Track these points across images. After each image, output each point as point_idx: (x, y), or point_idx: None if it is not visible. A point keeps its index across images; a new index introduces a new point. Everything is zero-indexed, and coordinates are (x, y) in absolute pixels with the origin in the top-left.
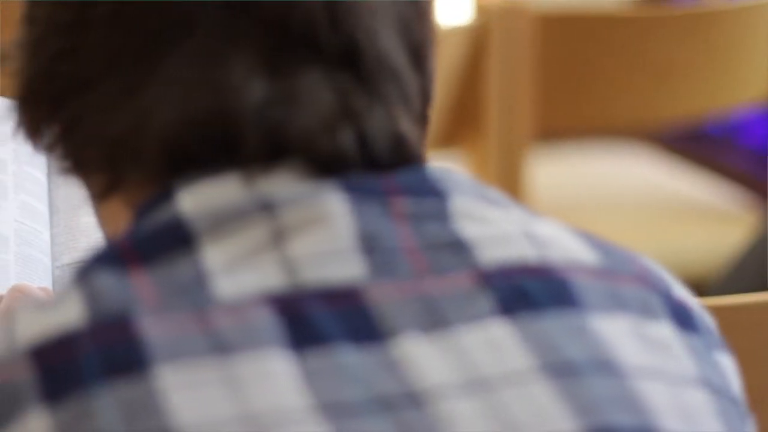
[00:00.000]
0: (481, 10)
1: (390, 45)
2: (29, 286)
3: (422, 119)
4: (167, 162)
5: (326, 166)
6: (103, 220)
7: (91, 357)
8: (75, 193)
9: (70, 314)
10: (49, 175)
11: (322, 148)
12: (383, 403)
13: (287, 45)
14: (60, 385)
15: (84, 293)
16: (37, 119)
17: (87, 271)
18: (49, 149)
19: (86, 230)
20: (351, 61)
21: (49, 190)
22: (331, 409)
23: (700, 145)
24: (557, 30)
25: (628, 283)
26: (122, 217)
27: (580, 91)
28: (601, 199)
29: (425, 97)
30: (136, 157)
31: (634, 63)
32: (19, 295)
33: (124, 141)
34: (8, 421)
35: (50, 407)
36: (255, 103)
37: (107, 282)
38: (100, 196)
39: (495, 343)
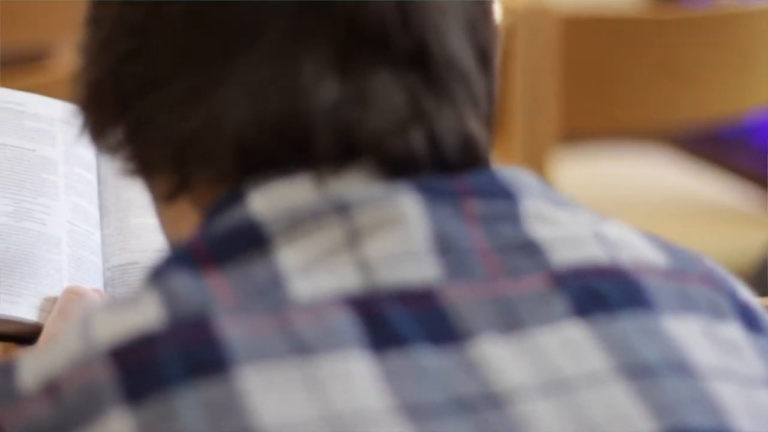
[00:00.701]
0: (506, 12)
1: (458, 45)
2: (83, 287)
3: (488, 120)
4: (238, 162)
5: (397, 167)
6: (166, 222)
7: (171, 357)
8: (124, 194)
9: (148, 315)
10: (98, 177)
11: (394, 148)
12: (463, 405)
13: (358, 45)
14: (141, 386)
15: (160, 294)
16: (103, 121)
17: (161, 272)
18: (114, 151)
19: (137, 231)
20: (420, 61)
21: (99, 192)
22: (412, 410)
23: (714, 146)
24: (581, 32)
25: (696, 284)
26: (188, 218)
27: (603, 92)
28: (622, 200)
29: (491, 98)
30: (206, 158)
31: (656, 65)
32: (74, 296)
33: (195, 141)
34: (89, 421)
35: (132, 408)
36: (327, 104)
37: (183, 283)
38: (166, 197)
39: (571, 344)
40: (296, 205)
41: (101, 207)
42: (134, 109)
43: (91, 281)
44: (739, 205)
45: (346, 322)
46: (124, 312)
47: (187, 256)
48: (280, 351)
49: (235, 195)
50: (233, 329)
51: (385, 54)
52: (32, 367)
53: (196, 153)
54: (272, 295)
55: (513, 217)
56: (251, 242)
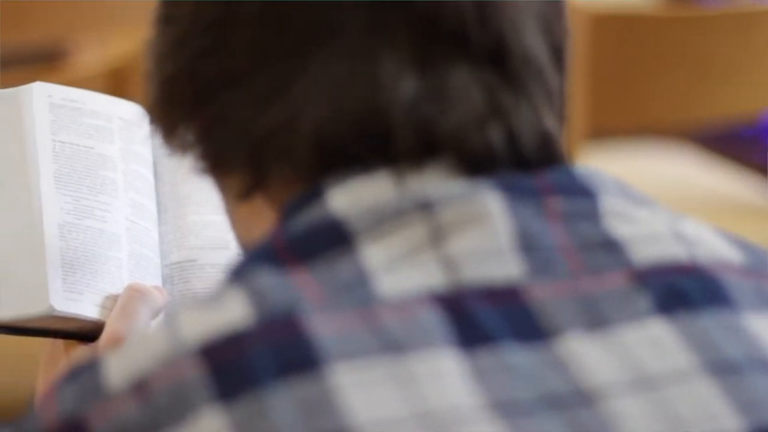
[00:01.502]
0: None
1: (534, 43)
2: (144, 285)
3: (561, 117)
4: (317, 159)
5: (476, 163)
6: (238, 221)
7: (262, 356)
8: (182, 190)
9: (237, 313)
10: (155, 173)
11: (473, 145)
12: (554, 402)
13: (437, 42)
14: (233, 384)
15: (247, 292)
16: (176, 119)
17: (243, 270)
18: (186, 150)
19: (194, 228)
20: (498, 58)
21: (156, 188)
22: (503, 407)
23: (731, 144)
24: (608, 29)
25: None
26: (262, 216)
27: (628, 89)
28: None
29: (563, 95)
30: (284, 155)
31: (682, 62)
32: (136, 294)
33: (272, 138)
34: (179, 420)
35: (224, 406)
36: (406, 100)
37: (269, 280)
38: (240, 195)
39: (656, 341)
40: (378, 202)
41: (158, 204)
42: (209, 106)
43: (151, 278)
44: (757, 201)
45: (434, 320)
46: (211, 310)
47: (269, 254)
48: (370, 348)
49: (314, 192)
50: (323, 327)
51: (463, 51)
52: (119, 365)
53: (273, 150)
54: (359, 292)
55: (593, 215)
56: (334, 240)
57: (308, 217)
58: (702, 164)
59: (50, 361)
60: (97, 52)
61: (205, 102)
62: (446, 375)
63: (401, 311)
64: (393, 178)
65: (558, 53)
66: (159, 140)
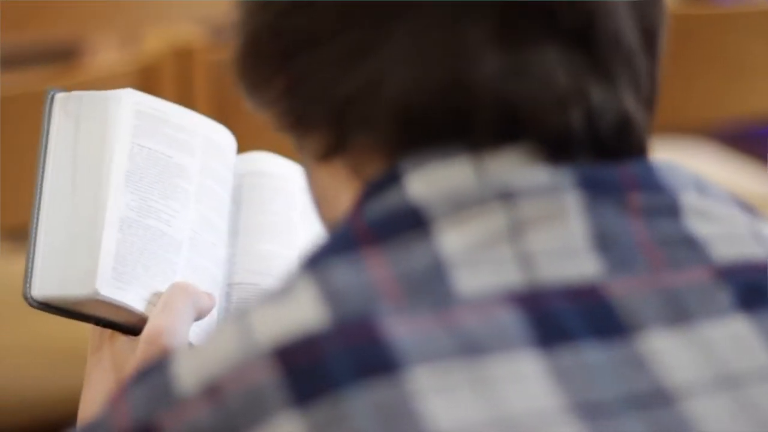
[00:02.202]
0: None
1: (625, 27)
2: (193, 285)
3: (649, 104)
4: (398, 128)
5: (555, 147)
6: (316, 184)
7: (339, 358)
8: (259, 219)
9: (311, 314)
10: (235, 198)
11: (553, 125)
12: (635, 402)
13: (524, 18)
14: (310, 388)
15: (321, 289)
16: (260, 74)
17: (319, 259)
18: (269, 105)
19: (263, 256)
20: (585, 39)
21: (232, 212)
22: (584, 408)
23: (750, 142)
24: None
25: None
26: (342, 183)
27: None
28: None
29: (653, 80)
30: (365, 120)
31: (704, 60)
32: (181, 292)
33: (354, 101)
34: (254, 424)
35: (301, 410)
36: (489, 73)
37: (345, 277)
38: (320, 156)
39: (738, 338)
40: (458, 188)
41: (233, 227)
42: (293, 64)
43: (206, 290)
44: None
45: (512, 320)
46: (283, 309)
47: (345, 242)
48: (448, 351)
49: (392, 176)
50: (400, 329)
51: (550, 29)
52: (190, 368)
53: (354, 114)
54: (436, 289)
55: (673, 211)
56: (412, 225)
57: (386, 202)
58: (722, 162)
59: (95, 351)
60: (111, 51)
61: (290, 59)
62: (526, 377)
63: (479, 311)
64: (472, 162)
65: (650, 38)
66: (244, 94)
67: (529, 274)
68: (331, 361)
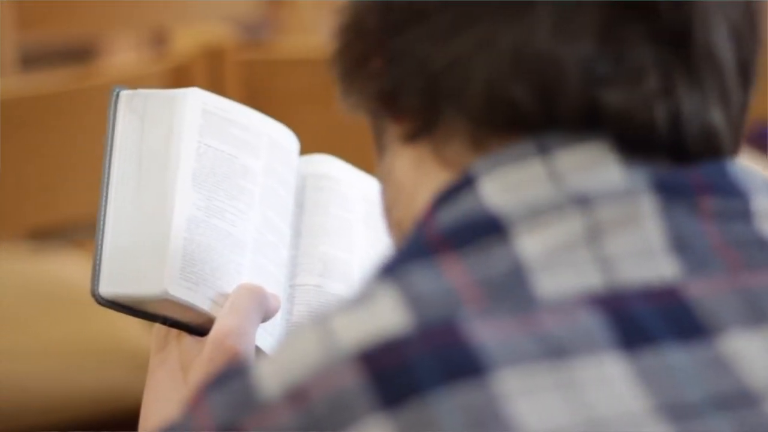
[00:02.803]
0: None
1: (721, 42)
2: (259, 287)
3: (738, 127)
4: (485, 104)
5: (635, 146)
6: (394, 177)
7: (425, 362)
8: (322, 221)
9: (394, 318)
10: (298, 200)
11: (637, 122)
12: (720, 402)
13: (625, 14)
14: (397, 392)
15: (402, 294)
16: (360, 53)
17: (396, 267)
18: (363, 86)
19: (324, 258)
20: (681, 43)
21: (296, 215)
22: (670, 410)
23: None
24: None
25: None
26: (424, 169)
27: None
28: None
29: (744, 107)
30: (456, 94)
31: None
32: (248, 293)
33: (448, 74)
34: (342, 428)
35: (389, 414)
36: (582, 57)
37: (426, 281)
38: (408, 137)
39: None
40: (533, 194)
41: (295, 229)
42: (395, 39)
43: (269, 290)
44: None
45: (594, 322)
46: (365, 314)
47: (422, 248)
48: (533, 354)
49: (465, 180)
50: (485, 333)
51: (649, 27)
52: (272, 372)
53: (446, 87)
54: (517, 293)
55: (745, 214)
56: (490, 231)
57: (461, 208)
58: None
59: (159, 351)
60: (129, 51)
61: (392, 35)
62: (611, 379)
63: (562, 314)
64: (545, 163)
65: (745, 65)
66: (338, 75)
67: (608, 277)
68: (417, 364)
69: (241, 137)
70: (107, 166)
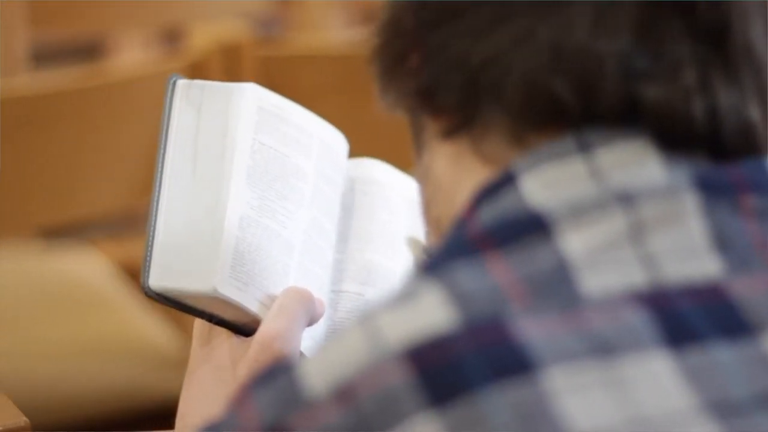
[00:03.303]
0: None
1: (759, 39)
2: (306, 290)
3: None
4: (524, 99)
5: (674, 141)
6: (432, 173)
7: (473, 360)
8: (368, 227)
9: (440, 316)
10: (346, 204)
11: (675, 117)
12: (766, 400)
13: (662, 10)
14: (445, 389)
15: (448, 291)
16: (398, 50)
17: (441, 264)
18: (402, 84)
19: (369, 266)
20: (719, 40)
21: (342, 218)
22: (718, 408)
23: None
24: None
25: None
26: (463, 165)
27: None
28: None
29: None
30: (495, 89)
31: None
32: (297, 296)
33: (487, 70)
34: (391, 426)
35: (438, 412)
36: (621, 51)
37: (470, 279)
38: (446, 133)
39: None
40: (575, 191)
41: (341, 233)
42: (432, 35)
43: (314, 294)
44: None
45: (640, 320)
46: (411, 312)
47: (464, 245)
48: (580, 351)
49: (506, 178)
50: (531, 331)
51: (687, 23)
52: (319, 371)
53: (485, 82)
54: (562, 291)
55: None
56: (533, 229)
57: (503, 206)
58: None
59: (203, 346)
60: (136, 49)
61: (428, 32)
62: (658, 376)
63: (607, 312)
64: (586, 161)
65: None
66: (376, 74)
67: (652, 275)
68: (465, 362)
69: (293, 136)
70: (161, 157)
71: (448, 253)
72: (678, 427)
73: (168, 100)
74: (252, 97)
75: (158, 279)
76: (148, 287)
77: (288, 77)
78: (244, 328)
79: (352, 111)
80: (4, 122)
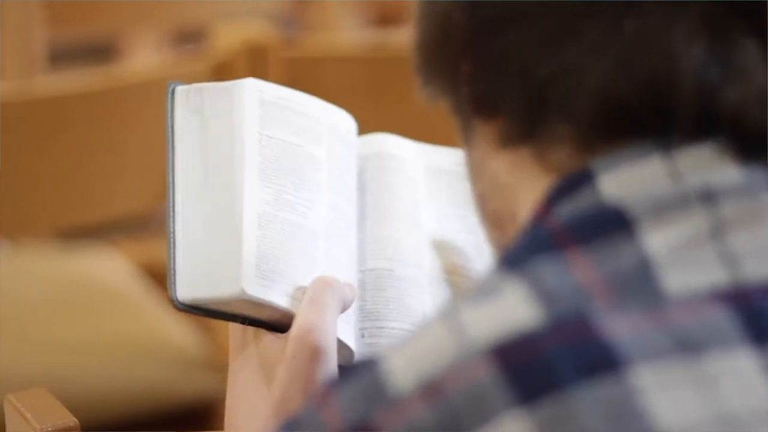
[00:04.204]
0: None
1: None
2: (335, 278)
3: None
4: (597, 118)
5: (751, 145)
6: (486, 173)
7: (561, 357)
8: (386, 203)
9: (525, 313)
10: (361, 183)
11: (751, 121)
12: None
13: (729, 14)
14: (534, 387)
15: (531, 288)
16: (447, 56)
17: (521, 259)
18: (452, 89)
19: (393, 241)
20: None
21: (359, 198)
22: None
23: None
24: None
25: None
26: (524, 172)
27: None
28: None
29: None
30: (565, 105)
31: None
32: (326, 285)
33: (555, 85)
34: (480, 424)
35: (528, 409)
36: (695, 67)
37: (554, 275)
38: (504, 142)
39: None
40: (656, 190)
41: (360, 212)
42: (489, 41)
43: (343, 278)
44: None
45: (724, 318)
46: (495, 308)
47: (544, 241)
48: (666, 349)
49: (584, 175)
50: (617, 328)
51: (754, 25)
52: (404, 367)
53: (553, 97)
54: (645, 289)
55: None
56: (615, 226)
57: (582, 202)
58: None
59: (240, 351)
60: (149, 49)
61: (484, 37)
62: (744, 374)
63: (691, 310)
64: (664, 162)
65: None
66: (418, 66)
67: (733, 273)
68: (553, 359)
69: (301, 124)
70: (170, 166)
71: (526, 248)
72: (764, 424)
73: (169, 108)
74: (253, 92)
75: (186, 291)
76: (177, 301)
77: (315, 77)
78: (278, 324)
79: (378, 112)
80: (24, 124)
